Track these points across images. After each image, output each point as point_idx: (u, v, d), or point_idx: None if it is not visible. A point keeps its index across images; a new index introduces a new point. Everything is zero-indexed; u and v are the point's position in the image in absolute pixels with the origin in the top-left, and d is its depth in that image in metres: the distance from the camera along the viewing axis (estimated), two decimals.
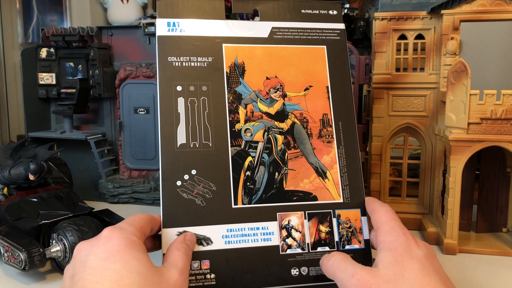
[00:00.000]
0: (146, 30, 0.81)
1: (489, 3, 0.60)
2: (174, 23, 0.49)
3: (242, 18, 0.94)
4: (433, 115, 0.65)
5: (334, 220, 0.45)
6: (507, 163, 0.62)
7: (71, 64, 0.85)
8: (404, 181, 0.69)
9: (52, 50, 0.85)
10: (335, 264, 0.40)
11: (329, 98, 0.49)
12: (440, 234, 0.60)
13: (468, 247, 0.59)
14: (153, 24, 0.81)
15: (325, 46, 0.51)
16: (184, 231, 0.43)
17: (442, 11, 0.61)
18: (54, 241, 0.51)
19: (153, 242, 0.44)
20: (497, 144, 0.56)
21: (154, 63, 0.81)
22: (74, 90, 0.82)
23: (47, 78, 0.85)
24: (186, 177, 0.45)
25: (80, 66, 0.84)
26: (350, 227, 0.45)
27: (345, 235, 0.45)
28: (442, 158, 0.64)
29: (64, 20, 1.27)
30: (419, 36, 0.65)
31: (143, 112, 0.81)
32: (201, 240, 0.43)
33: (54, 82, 0.85)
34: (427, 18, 0.64)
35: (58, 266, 0.53)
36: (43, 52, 0.85)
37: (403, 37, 0.66)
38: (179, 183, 0.44)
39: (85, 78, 0.82)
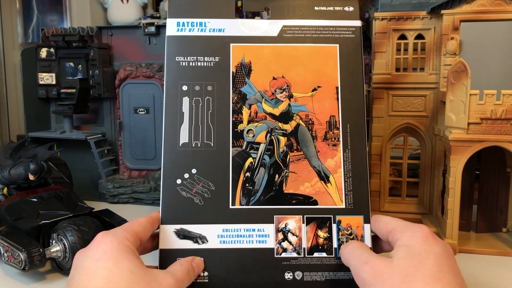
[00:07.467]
0: (146, 30, 0.81)
1: (489, 3, 0.60)
2: (183, 23, 0.49)
3: (241, 17, 0.94)
4: (433, 115, 0.65)
5: (334, 226, 0.44)
6: (507, 163, 0.62)
7: (71, 64, 0.85)
8: (404, 181, 0.69)
9: (52, 50, 0.85)
10: (351, 251, 0.40)
11: (338, 99, 0.48)
12: (440, 234, 0.60)
13: (468, 247, 0.59)
14: (153, 24, 0.81)
15: (337, 45, 0.49)
16: (181, 229, 0.43)
17: (442, 11, 0.61)
18: (54, 241, 0.51)
19: (153, 241, 0.44)
20: (497, 144, 0.56)
21: (154, 63, 0.81)
22: (74, 90, 0.82)
23: (47, 78, 0.85)
24: (186, 175, 0.45)
25: (80, 66, 0.84)
26: (350, 234, 0.44)
27: (344, 242, 0.44)
28: (442, 158, 0.63)
29: (64, 20, 1.27)
30: (419, 36, 0.65)
31: (143, 112, 0.81)
32: (196, 238, 0.43)
33: (54, 82, 0.85)
34: (427, 18, 0.64)
35: (58, 266, 0.53)
36: (43, 52, 0.85)
37: (403, 37, 0.66)
38: (179, 181, 0.45)
39: (85, 78, 0.83)
